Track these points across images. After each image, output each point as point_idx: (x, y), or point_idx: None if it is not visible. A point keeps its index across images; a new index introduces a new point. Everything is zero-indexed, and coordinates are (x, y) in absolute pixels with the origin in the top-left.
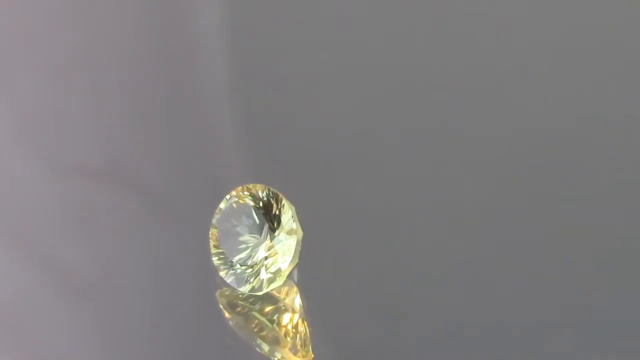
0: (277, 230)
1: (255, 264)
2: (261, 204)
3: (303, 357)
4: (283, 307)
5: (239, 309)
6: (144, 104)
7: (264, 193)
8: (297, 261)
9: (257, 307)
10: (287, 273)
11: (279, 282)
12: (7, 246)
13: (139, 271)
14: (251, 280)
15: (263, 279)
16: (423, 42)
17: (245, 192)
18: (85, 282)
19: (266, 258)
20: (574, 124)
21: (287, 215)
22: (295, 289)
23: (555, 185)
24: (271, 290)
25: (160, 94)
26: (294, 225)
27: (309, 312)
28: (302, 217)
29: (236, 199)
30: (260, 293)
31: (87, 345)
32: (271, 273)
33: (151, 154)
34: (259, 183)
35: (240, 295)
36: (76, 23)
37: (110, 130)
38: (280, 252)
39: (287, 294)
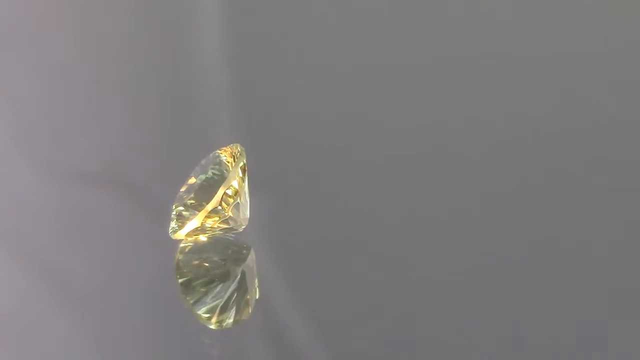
0: (209, 193)
1: (180, 207)
2: (223, 164)
3: (215, 321)
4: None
5: (194, 261)
6: (143, 106)
7: (237, 156)
8: (197, 225)
9: (209, 263)
10: (187, 232)
11: (177, 235)
12: (5, 250)
13: (138, 275)
14: (173, 219)
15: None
16: (425, 49)
17: (229, 152)
18: (85, 286)
19: (186, 206)
20: (579, 127)
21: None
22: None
23: (556, 187)
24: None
25: (159, 96)
26: (219, 202)
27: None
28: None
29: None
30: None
31: (86, 349)
32: (180, 220)
33: (151, 158)
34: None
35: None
36: (75, 25)
37: (110, 134)
38: (194, 210)
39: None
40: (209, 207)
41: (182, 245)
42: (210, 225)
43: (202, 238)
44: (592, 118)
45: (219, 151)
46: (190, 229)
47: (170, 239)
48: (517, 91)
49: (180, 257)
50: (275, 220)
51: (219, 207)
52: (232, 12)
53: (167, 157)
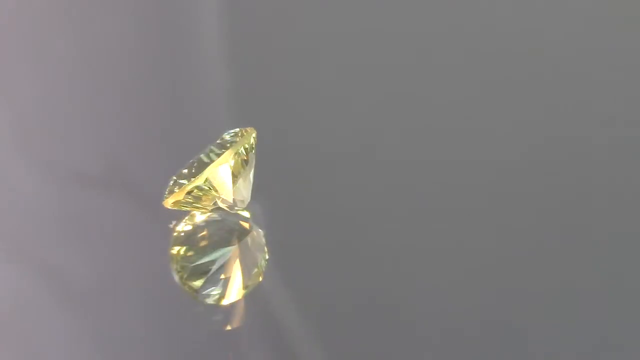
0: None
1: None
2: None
3: (202, 294)
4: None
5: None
6: (143, 108)
7: (240, 139)
8: (179, 198)
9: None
10: (171, 202)
11: (165, 203)
12: (5, 250)
13: (138, 275)
14: (168, 187)
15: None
16: (425, 49)
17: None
18: (84, 286)
19: (181, 176)
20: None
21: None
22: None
23: (551, 190)
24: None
25: (159, 97)
26: (205, 179)
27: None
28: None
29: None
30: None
31: (86, 349)
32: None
33: (151, 158)
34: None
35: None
36: (75, 25)
37: (110, 134)
38: (192, 176)
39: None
40: (194, 183)
41: (184, 219)
42: (195, 200)
43: (202, 215)
44: (592, 120)
45: (237, 130)
46: (174, 199)
47: (170, 239)
48: (518, 95)
49: (179, 230)
50: (274, 219)
51: (208, 186)
52: (232, 12)
53: (167, 157)
